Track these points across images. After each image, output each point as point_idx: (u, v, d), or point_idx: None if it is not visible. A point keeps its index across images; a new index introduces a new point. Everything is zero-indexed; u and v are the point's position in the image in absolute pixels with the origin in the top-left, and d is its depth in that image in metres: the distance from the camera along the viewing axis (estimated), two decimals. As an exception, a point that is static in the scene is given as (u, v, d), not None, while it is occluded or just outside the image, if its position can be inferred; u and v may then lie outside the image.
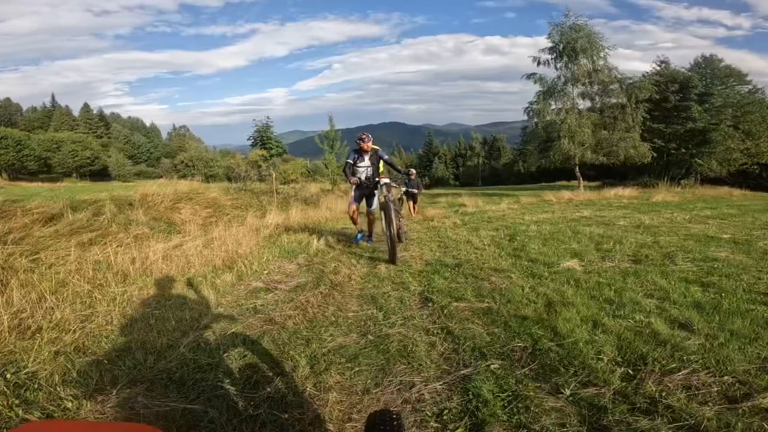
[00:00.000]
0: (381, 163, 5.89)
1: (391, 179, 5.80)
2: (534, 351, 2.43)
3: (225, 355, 2.49)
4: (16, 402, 1.98)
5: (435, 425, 1.80)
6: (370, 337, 2.76)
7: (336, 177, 24.02)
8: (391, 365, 2.33)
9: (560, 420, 1.77)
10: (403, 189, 10.13)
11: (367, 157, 5.80)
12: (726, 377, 2.02)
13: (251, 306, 3.47)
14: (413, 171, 10.78)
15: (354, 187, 5.88)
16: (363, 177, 5.83)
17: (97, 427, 0.78)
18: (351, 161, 5.80)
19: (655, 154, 22.61)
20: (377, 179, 5.67)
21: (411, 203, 11.24)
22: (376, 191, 5.84)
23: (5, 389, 2.06)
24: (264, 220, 8.54)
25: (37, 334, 2.69)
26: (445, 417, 1.84)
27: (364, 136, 5.77)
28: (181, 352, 2.50)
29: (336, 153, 24.04)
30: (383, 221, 5.23)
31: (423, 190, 11.52)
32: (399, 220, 5.71)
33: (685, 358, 2.23)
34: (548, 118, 21.99)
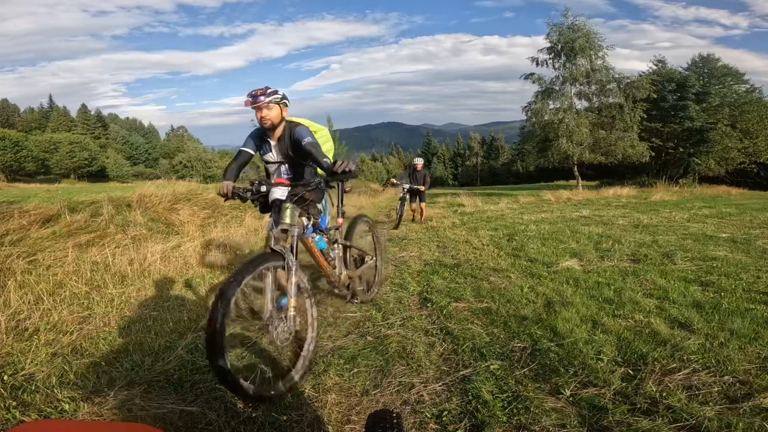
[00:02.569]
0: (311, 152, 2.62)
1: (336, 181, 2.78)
2: (533, 351, 2.42)
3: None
4: (14, 404, 1.96)
5: (434, 427, 1.79)
6: (369, 338, 2.75)
7: (335, 177, 23.99)
8: (390, 366, 2.32)
9: (560, 421, 1.76)
10: (406, 186, 8.70)
11: (273, 143, 2.80)
12: (726, 377, 2.01)
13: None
14: (420, 161, 9.07)
15: (268, 209, 2.63)
16: (272, 180, 2.79)
17: (96, 426, 0.77)
18: (250, 150, 2.81)
19: (653, 154, 22.67)
20: (290, 188, 2.50)
21: (417, 203, 9.10)
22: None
23: (2, 391, 2.05)
24: (263, 221, 8.52)
25: (35, 336, 2.67)
26: (444, 418, 1.83)
27: (260, 95, 2.58)
28: (179, 354, 2.49)
29: (334, 153, 24.03)
30: (268, 286, 2.12)
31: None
32: (347, 262, 3.11)
33: (685, 357, 2.22)
34: (546, 117, 22.03)
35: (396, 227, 8.03)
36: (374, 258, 3.58)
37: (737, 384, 1.96)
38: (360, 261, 3.39)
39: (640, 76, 24.48)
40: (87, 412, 1.95)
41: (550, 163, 23.09)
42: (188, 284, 4.03)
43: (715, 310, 2.93)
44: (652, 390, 1.93)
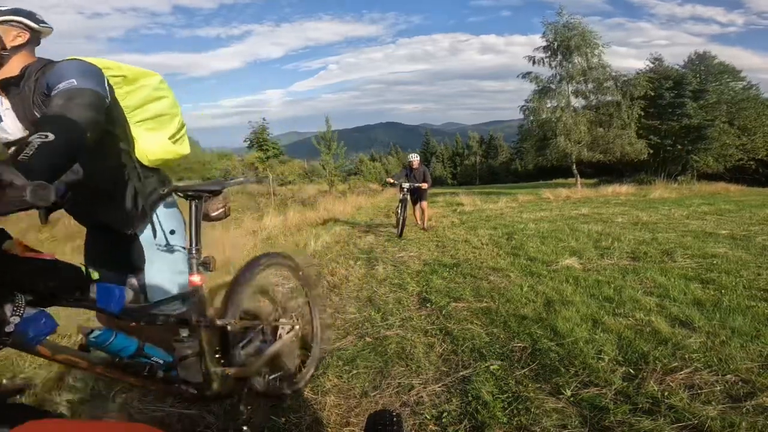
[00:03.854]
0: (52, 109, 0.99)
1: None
2: (534, 351, 2.41)
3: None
4: (10, 409, 1.95)
5: (434, 428, 1.78)
6: (368, 339, 2.73)
7: (333, 178, 24.00)
8: (390, 367, 2.31)
9: (561, 421, 1.75)
10: (406, 185, 7.46)
11: (4, 102, 1.23)
12: (729, 376, 2.00)
13: (248, 309, 3.43)
14: (415, 157, 7.85)
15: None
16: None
17: (97, 426, 0.76)
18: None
19: (651, 151, 22.71)
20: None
21: (418, 205, 7.87)
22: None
23: None
24: (261, 222, 8.50)
25: (31, 340, 2.66)
26: (444, 419, 1.82)
27: None
28: (177, 357, 2.47)
29: (333, 153, 24.05)
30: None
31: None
32: (230, 355, 1.48)
33: (686, 356, 2.21)
34: (544, 116, 22.04)
35: (400, 235, 7.05)
36: (302, 322, 1.99)
37: (739, 383, 1.94)
38: (271, 336, 1.79)
39: (638, 74, 24.51)
40: (86, 415, 1.94)
41: (549, 162, 23.08)
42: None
43: (715, 307, 2.92)
44: (654, 389, 1.92)
